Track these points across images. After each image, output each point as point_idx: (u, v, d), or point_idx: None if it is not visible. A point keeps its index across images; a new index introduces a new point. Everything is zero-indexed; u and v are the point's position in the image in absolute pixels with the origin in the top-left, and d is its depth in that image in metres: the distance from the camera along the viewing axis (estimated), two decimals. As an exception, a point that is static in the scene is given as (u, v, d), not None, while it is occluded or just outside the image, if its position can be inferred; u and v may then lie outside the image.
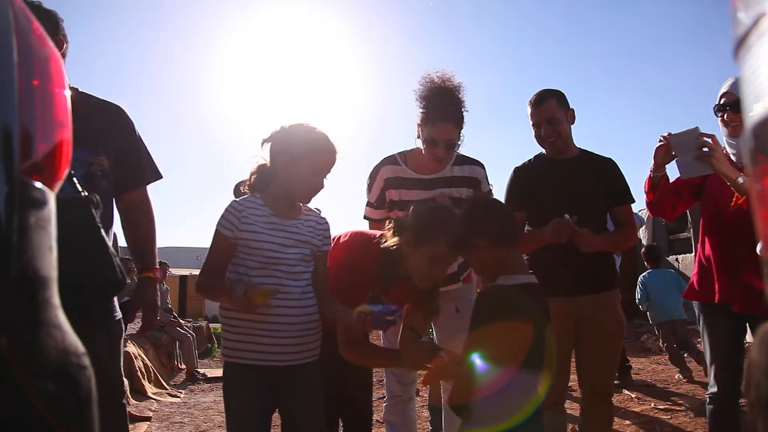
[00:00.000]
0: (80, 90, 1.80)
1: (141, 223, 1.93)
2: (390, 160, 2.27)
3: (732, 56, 0.55)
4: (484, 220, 1.56)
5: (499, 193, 2.38)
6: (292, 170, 1.69)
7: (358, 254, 1.81)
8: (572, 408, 3.28)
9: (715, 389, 2.05)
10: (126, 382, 4.88)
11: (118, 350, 1.76)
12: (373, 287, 1.78)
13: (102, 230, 1.34)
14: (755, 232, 0.54)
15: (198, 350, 7.47)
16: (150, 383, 5.58)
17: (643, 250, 5.40)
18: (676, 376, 4.79)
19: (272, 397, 1.71)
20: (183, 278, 14.78)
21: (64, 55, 1.75)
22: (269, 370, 1.65)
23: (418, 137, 2.18)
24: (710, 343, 2.10)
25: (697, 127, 1.92)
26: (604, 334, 2.19)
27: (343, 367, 1.81)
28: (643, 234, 8.21)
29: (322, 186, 1.74)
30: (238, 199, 1.75)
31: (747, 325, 2.08)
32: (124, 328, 1.81)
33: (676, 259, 8.01)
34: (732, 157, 2.03)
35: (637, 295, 5.04)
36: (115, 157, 1.81)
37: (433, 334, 2.33)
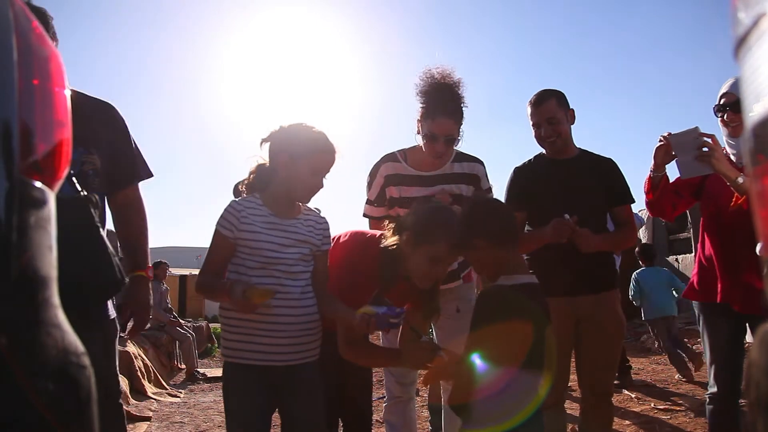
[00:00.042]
0: (71, 88, 1.78)
1: (133, 222, 1.91)
2: (390, 158, 2.28)
3: (732, 56, 0.55)
4: (484, 220, 1.56)
5: (499, 193, 2.39)
6: (292, 170, 1.69)
7: (358, 254, 1.81)
8: (572, 408, 3.28)
9: (715, 389, 2.05)
10: (126, 381, 4.90)
11: (114, 350, 1.76)
12: (374, 287, 1.78)
13: (101, 230, 1.34)
14: (755, 232, 0.54)
15: (198, 350, 7.47)
16: (150, 383, 5.58)
17: (637, 249, 5.43)
18: (676, 376, 4.79)
19: (272, 397, 1.71)
20: (183, 278, 14.79)
21: None
22: (269, 370, 1.65)
23: (418, 132, 2.19)
24: (710, 343, 2.10)
25: (697, 127, 1.92)
26: (604, 334, 2.19)
27: (343, 367, 1.81)
28: (643, 234, 8.21)
29: (321, 186, 1.74)
30: (237, 199, 1.75)
31: (747, 325, 2.08)
32: (118, 328, 1.80)
33: (676, 259, 8.01)
34: (732, 157, 2.03)
35: (631, 291, 5.09)
36: (107, 156, 1.79)
37: (433, 334, 2.33)
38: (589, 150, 2.36)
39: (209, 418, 4.54)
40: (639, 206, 3.39)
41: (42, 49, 0.66)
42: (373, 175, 2.29)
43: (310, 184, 1.72)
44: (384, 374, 2.41)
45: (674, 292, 4.98)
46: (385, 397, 2.38)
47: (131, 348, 5.60)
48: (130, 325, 1.89)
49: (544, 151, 2.33)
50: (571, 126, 2.28)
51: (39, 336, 0.58)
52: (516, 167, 2.39)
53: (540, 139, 2.26)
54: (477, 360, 1.41)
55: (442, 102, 2.11)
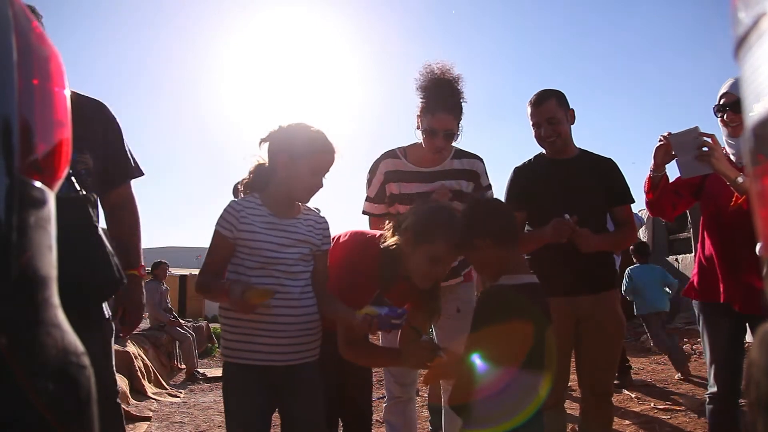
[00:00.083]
0: None
1: (126, 220, 1.91)
2: (390, 154, 2.29)
3: (732, 56, 0.55)
4: (484, 219, 1.56)
5: (499, 193, 2.39)
6: (292, 170, 1.69)
7: (358, 254, 1.81)
8: (572, 408, 3.28)
9: (715, 389, 2.05)
10: (126, 381, 4.91)
11: (111, 349, 1.76)
12: (374, 287, 1.77)
13: (99, 229, 1.34)
14: (755, 231, 0.54)
15: (198, 350, 7.48)
16: (150, 383, 5.58)
17: (631, 247, 5.48)
18: (676, 376, 4.80)
19: (272, 397, 1.71)
20: (183, 278, 14.80)
21: None
22: (269, 370, 1.65)
23: (418, 128, 2.21)
24: (710, 342, 2.10)
25: (696, 127, 1.92)
26: (603, 334, 2.19)
27: (343, 367, 1.81)
28: (643, 234, 8.21)
29: (321, 185, 1.74)
30: (236, 199, 1.75)
31: (747, 325, 2.08)
32: (114, 327, 1.80)
33: (676, 259, 8.01)
34: (732, 157, 2.03)
35: (623, 287, 5.14)
36: (100, 155, 1.78)
37: (433, 334, 2.33)
38: (589, 150, 2.37)
39: (209, 418, 4.54)
40: (639, 206, 3.39)
41: (42, 49, 0.66)
42: (372, 171, 2.30)
43: (310, 184, 1.72)
44: (384, 374, 2.41)
45: (667, 289, 5.13)
46: (385, 397, 2.38)
47: (131, 348, 5.60)
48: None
49: (544, 151, 2.33)
50: (571, 126, 2.28)
51: (39, 336, 0.58)
52: (516, 167, 2.39)
53: (540, 139, 2.26)
54: (477, 360, 1.40)
55: (441, 97, 2.13)
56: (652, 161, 2.06)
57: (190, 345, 6.98)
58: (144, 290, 1.95)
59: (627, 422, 3.57)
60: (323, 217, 1.83)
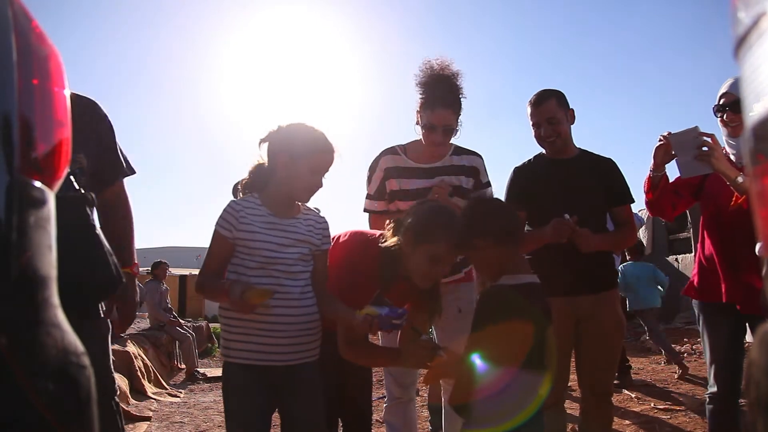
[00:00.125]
0: None
1: (119, 219, 1.90)
2: (390, 151, 2.31)
3: (732, 56, 0.55)
4: (484, 219, 1.56)
5: (499, 192, 2.39)
6: (292, 170, 1.69)
7: (358, 254, 1.81)
8: (572, 408, 3.28)
9: (714, 389, 2.05)
10: (126, 381, 4.90)
11: (108, 348, 1.76)
12: (374, 287, 1.77)
13: (97, 228, 1.34)
14: (755, 231, 0.54)
15: (198, 350, 7.48)
16: (150, 383, 5.58)
17: None
18: (676, 376, 4.80)
19: (272, 397, 1.71)
20: (183, 278, 14.81)
21: None
22: (269, 370, 1.65)
23: (417, 123, 2.22)
24: (710, 342, 2.10)
25: (696, 127, 1.92)
26: (603, 334, 2.19)
27: (343, 367, 1.81)
28: (643, 234, 8.21)
29: (321, 185, 1.74)
30: (236, 199, 1.75)
31: (747, 325, 2.08)
32: (110, 326, 1.80)
33: (676, 259, 8.01)
34: (732, 157, 2.03)
35: None
36: (93, 154, 1.77)
37: (433, 334, 2.33)
38: (589, 150, 2.37)
39: (209, 418, 4.54)
40: (639, 206, 3.39)
41: (41, 49, 0.66)
42: (372, 168, 2.31)
43: (310, 184, 1.72)
44: (384, 375, 2.41)
45: (659, 286, 5.27)
46: (385, 397, 2.38)
47: (131, 348, 5.60)
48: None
49: (544, 151, 2.33)
50: (571, 126, 2.28)
51: (39, 336, 0.58)
52: (516, 167, 2.39)
53: (540, 139, 2.26)
54: (477, 360, 1.40)
55: (441, 93, 2.14)
56: (652, 161, 2.06)
57: (190, 345, 6.98)
58: (137, 288, 1.94)
59: (627, 422, 3.57)
60: (323, 217, 1.83)
